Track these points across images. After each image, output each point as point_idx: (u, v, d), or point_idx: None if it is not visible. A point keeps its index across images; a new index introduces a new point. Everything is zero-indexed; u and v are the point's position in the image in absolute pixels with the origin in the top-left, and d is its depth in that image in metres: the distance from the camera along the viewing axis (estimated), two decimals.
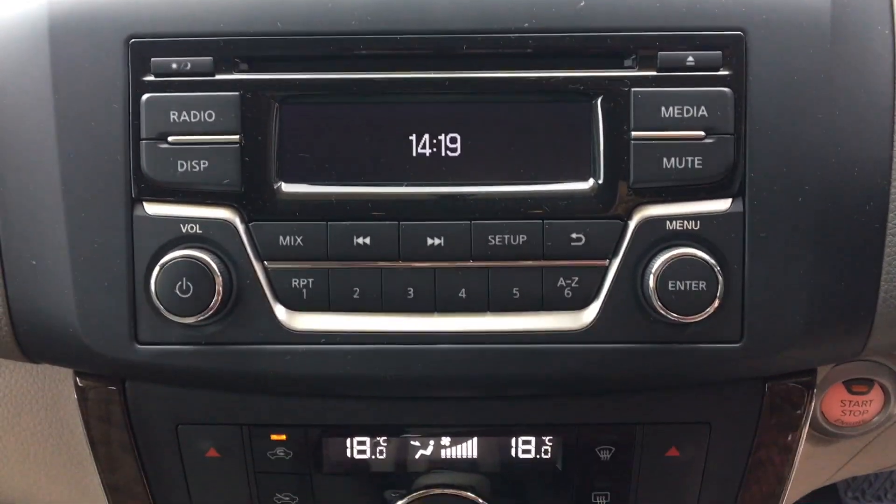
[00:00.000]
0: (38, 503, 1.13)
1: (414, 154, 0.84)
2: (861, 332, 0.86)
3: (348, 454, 0.96)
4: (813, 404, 0.97)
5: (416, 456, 0.97)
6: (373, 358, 0.85)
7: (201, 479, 0.97)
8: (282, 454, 0.96)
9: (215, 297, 0.82)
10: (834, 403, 1.06)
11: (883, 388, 1.05)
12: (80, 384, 0.95)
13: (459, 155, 0.84)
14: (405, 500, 0.97)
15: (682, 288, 0.81)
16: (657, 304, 0.82)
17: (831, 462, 1.18)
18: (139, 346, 0.86)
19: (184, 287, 0.82)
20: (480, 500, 0.97)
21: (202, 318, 0.83)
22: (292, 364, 0.85)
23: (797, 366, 0.92)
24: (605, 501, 0.97)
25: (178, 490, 0.98)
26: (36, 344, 0.89)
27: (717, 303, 0.82)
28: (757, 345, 0.84)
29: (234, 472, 0.96)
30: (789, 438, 0.97)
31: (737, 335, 0.84)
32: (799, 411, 0.96)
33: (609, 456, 0.95)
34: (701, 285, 0.81)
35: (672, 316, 0.82)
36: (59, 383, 1.02)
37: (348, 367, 0.86)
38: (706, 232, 0.83)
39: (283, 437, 0.95)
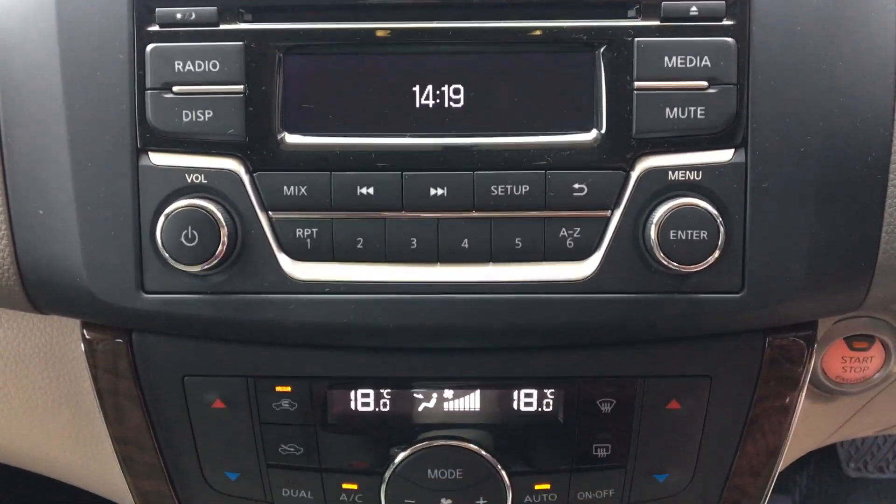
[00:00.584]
0: (45, 455, 1.14)
1: (417, 105, 0.84)
2: (862, 284, 0.87)
3: (352, 406, 0.97)
4: (813, 359, 0.98)
5: (420, 409, 0.98)
6: (375, 307, 0.86)
7: (207, 430, 0.99)
8: (286, 406, 0.97)
9: (220, 246, 0.83)
10: (835, 360, 1.07)
11: (884, 344, 1.05)
12: (87, 336, 0.97)
13: (462, 106, 0.84)
14: (408, 451, 0.98)
15: (684, 237, 0.82)
16: (658, 254, 0.82)
17: (831, 420, 1.19)
18: (145, 296, 0.87)
19: (189, 236, 0.83)
20: (483, 452, 0.98)
21: (207, 266, 0.84)
22: (296, 313, 0.86)
23: (798, 318, 0.92)
24: (605, 453, 0.98)
25: (184, 441, 1.00)
26: (44, 294, 0.90)
27: (717, 253, 0.82)
28: (757, 295, 0.85)
29: (240, 423, 0.98)
30: (790, 393, 0.98)
31: (737, 285, 0.85)
32: (799, 366, 0.96)
33: (610, 409, 0.96)
34: (702, 235, 0.82)
35: (673, 265, 0.82)
36: (66, 336, 1.03)
37: (351, 315, 0.86)
38: (708, 182, 0.83)
39: (288, 388, 0.96)
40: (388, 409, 0.98)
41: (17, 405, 1.08)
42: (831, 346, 1.06)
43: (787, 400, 0.99)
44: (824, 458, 2.45)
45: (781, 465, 1.09)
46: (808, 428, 1.15)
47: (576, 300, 0.86)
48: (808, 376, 0.98)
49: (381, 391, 0.97)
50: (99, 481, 1.17)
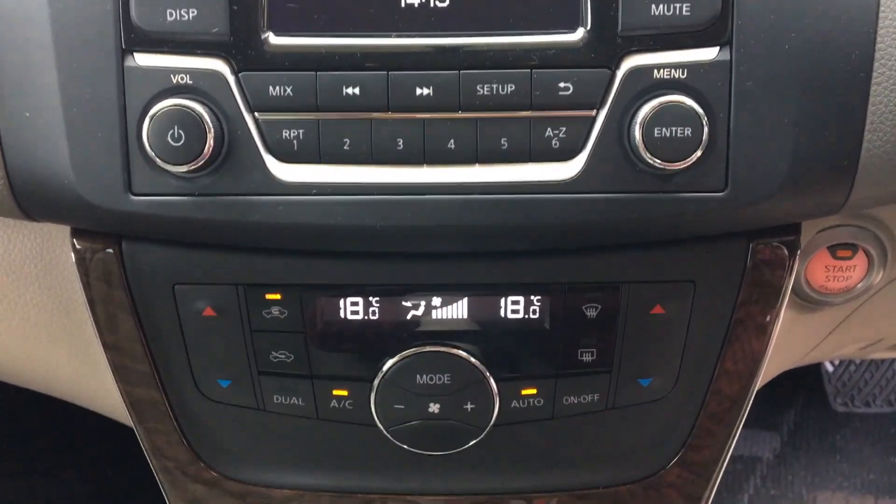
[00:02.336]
0: (39, 366, 1.16)
1: (403, 4, 0.84)
2: (844, 183, 0.88)
3: (341, 314, 0.99)
4: (796, 266, 0.99)
5: (408, 316, 0.99)
6: (363, 208, 0.87)
7: (199, 338, 1.00)
8: (276, 313, 0.98)
9: (207, 146, 0.83)
10: (818, 269, 1.08)
11: (867, 253, 1.07)
12: (77, 246, 0.97)
13: (448, 5, 0.84)
14: (397, 357, 0.99)
15: (668, 134, 0.82)
16: (643, 152, 0.83)
17: (814, 332, 1.21)
18: (133, 197, 0.87)
19: (175, 135, 0.83)
20: (471, 358, 0.99)
21: (194, 167, 0.84)
22: (284, 214, 0.87)
23: (781, 218, 0.93)
24: (591, 358, 1.00)
25: (176, 349, 1.01)
26: (33, 199, 0.90)
27: (700, 151, 0.83)
28: (740, 193, 0.86)
29: (231, 330, 0.99)
30: (772, 299, 0.99)
31: (721, 184, 0.86)
32: (782, 272, 0.98)
33: (595, 314, 0.98)
34: (686, 132, 0.82)
35: (657, 163, 0.83)
36: (58, 247, 1.03)
37: (339, 217, 0.87)
38: (693, 80, 0.83)
39: (278, 296, 0.97)
40: (376, 316, 0.99)
41: (9, 316, 1.09)
42: (815, 255, 1.07)
43: (769, 307, 1.00)
44: (812, 394, 2.49)
45: (764, 379, 1.12)
46: (791, 339, 1.17)
47: (561, 200, 0.86)
48: (791, 283, 1.00)
49: (370, 299, 0.98)
50: (92, 394, 1.19)
